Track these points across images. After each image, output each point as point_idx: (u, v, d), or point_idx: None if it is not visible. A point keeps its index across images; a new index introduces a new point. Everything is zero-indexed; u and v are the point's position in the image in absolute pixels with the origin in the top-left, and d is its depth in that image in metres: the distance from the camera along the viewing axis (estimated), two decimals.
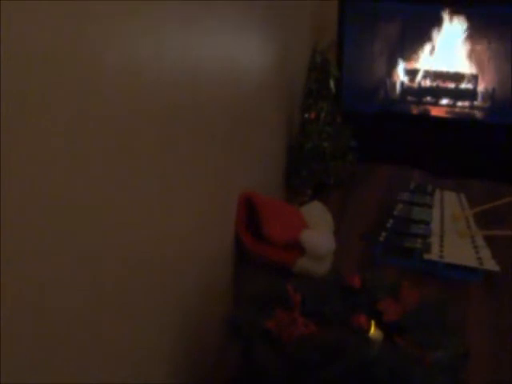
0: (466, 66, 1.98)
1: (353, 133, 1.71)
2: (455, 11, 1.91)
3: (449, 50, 1.98)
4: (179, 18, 0.75)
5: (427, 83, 2.04)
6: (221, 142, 0.98)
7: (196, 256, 0.89)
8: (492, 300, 1.21)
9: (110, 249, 0.61)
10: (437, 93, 2.03)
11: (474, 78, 1.97)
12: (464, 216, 1.50)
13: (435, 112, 2.04)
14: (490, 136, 1.93)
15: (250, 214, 1.10)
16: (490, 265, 1.29)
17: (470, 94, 1.98)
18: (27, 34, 0.44)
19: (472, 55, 1.95)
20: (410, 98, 2.07)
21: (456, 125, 1.99)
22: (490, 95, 1.95)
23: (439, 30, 1.96)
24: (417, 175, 1.85)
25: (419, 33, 1.99)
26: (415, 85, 2.05)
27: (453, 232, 1.42)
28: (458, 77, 2.00)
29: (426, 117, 2.04)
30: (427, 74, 2.04)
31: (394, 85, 2.06)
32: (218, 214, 1.00)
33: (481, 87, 1.97)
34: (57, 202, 0.50)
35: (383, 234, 1.41)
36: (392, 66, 2.04)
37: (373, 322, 0.80)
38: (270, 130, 1.42)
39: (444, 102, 2.03)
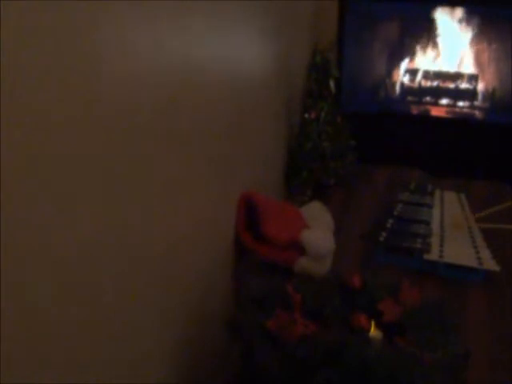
0: (466, 66, 1.98)
1: (352, 133, 1.71)
2: (455, 11, 1.92)
3: (449, 49, 1.98)
4: (178, 18, 0.74)
5: (427, 83, 2.04)
6: (221, 142, 0.98)
7: (196, 256, 0.89)
8: (492, 300, 1.21)
9: (110, 248, 0.61)
10: (437, 93, 2.03)
11: (473, 78, 1.97)
12: (466, 224, 1.48)
13: (435, 112, 2.04)
14: (490, 136, 1.93)
15: (250, 213, 1.10)
16: (490, 265, 1.28)
17: (470, 94, 1.98)
18: (24, 33, 0.44)
19: (472, 55, 1.95)
20: (410, 98, 2.07)
21: (456, 125, 1.99)
22: (490, 95, 1.95)
23: (439, 30, 1.96)
24: (417, 175, 1.84)
25: (419, 33, 1.99)
26: (415, 85, 2.05)
27: (452, 231, 1.41)
28: (457, 77, 2.00)
29: (426, 117, 2.04)
30: (427, 74, 2.04)
31: (393, 85, 2.06)
32: (218, 213, 1.00)
33: (481, 87, 1.97)
34: (59, 204, 0.50)
35: (383, 233, 1.41)
36: (392, 65, 2.04)
37: (373, 322, 0.80)
38: (270, 130, 1.42)
39: (444, 101, 2.03)
